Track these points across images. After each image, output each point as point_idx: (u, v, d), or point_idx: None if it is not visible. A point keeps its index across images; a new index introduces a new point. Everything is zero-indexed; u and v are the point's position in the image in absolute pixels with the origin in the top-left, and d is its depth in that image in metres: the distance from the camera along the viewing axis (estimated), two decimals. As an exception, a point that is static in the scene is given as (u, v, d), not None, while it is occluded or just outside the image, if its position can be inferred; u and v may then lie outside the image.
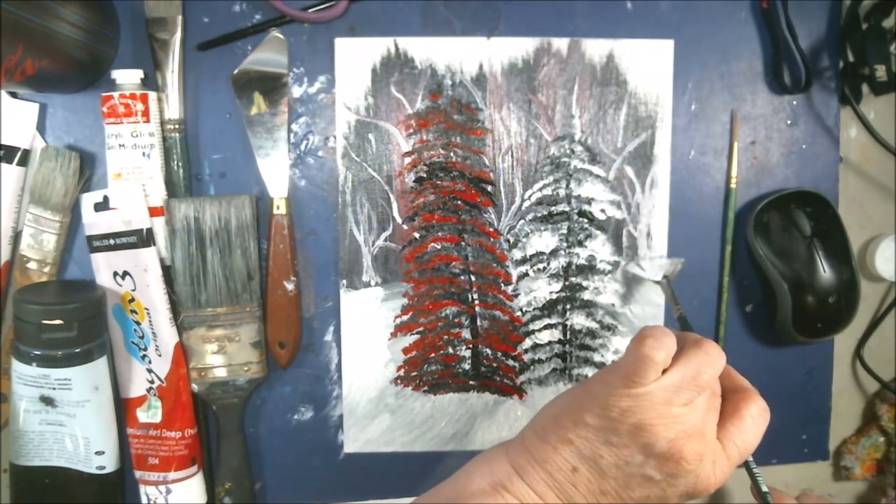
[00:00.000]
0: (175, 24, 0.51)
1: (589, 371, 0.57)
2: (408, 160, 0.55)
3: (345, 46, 0.53)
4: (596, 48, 0.55)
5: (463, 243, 0.56)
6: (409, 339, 0.56)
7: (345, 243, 0.55)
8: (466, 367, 0.57)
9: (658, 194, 0.56)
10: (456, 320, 0.56)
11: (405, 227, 0.55)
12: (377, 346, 0.56)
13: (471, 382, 0.57)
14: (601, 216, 0.56)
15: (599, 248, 0.56)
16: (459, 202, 0.55)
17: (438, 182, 0.55)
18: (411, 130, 0.55)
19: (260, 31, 0.53)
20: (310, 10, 0.52)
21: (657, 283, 0.55)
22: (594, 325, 0.57)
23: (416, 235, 0.55)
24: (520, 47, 0.54)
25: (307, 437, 0.57)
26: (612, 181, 0.56)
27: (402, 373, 0.56)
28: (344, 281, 0.55)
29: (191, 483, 0.53)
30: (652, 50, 0.55)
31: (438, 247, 0.56)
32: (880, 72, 0.53)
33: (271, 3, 0.52)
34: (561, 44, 0.54)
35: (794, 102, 0.57)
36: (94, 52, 0.49)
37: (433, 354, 0.56)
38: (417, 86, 0.54)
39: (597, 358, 0.57)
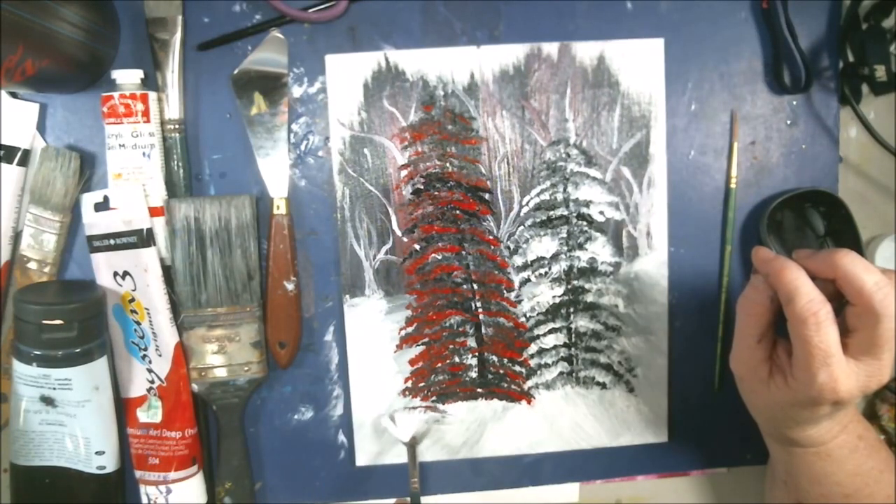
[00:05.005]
0: (175, 24, 0.52)
1: (596, 373, 0.57)
2: (404, 172, 0.55)
3: (335, 63, 0.53)
4: (587, 51, 0.55)
5: (464, 252, 0.56)
6: (415, 351, 0.56)
7: (346, 258, 0.55)
8: (473, 375, 0.57)
9: (656, 193, 0.56)
10: (460, 329, 0.56)
11: (405, 239, 0.55)
12: (383, 359, 0.56)
13: (478, 390, 0.57)
14: (600, 218, 0.56)
15: (600, 249, 0.56)
16: (458, 212, 0.55)
17: (436, 193, 0.55)
18: (406, 143, 0.55)
19: (260, 31, 0.53)
20: (310, 10, 0.52)
21: (404, 444, 0.56)
22: (599, 327, 0.57)
23: (417, 247, 0.55)
24: (510, 54, 0.54)
25: (307, 437, 0.57)
26: (609, 183, 0.56)
27: (409, 384, 0.56)
28: (347, 295, 0.55)
29: (191, 483, 0.53)
30: (642, 49, 0.55)
31: (439, 257, 0.56)
32: (880, 72, 0.53)
33: (271, 3, 0.52)
34: (551, 48, 0.54)
35: (794, 102, 0.57)
36: (94, 52, 0.49)
37: (439, 364, 0.56)
38: (410, 98, 0.54)
39: (602, 360, 0.57)
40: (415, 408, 0.56)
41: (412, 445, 0.56)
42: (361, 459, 0.57)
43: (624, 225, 0.56)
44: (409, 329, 0.56)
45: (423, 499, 0.57)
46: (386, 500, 0.58)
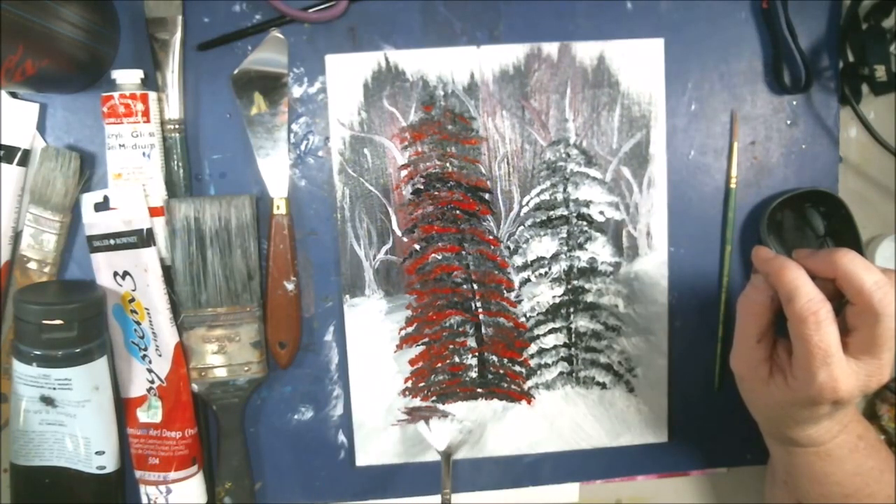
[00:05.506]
0: (175, 24, 0.52)
1: (596, 373, 0.57)
2: (404, 173, 0.55)
3: (335, 63, 0.53)
4: (587, 51, 0.55)
5: (464, 252, 0.56)
6: (415, 351, 0.56)
7: (346, 259, 0.55)
8: (473, 375, 0.57)
9: (656, 193, 0.56)
10: (461, 329, 0.56)
11: (405, 239, 0.55)
12: (383, 359, 0.56)
13: (478, 390, 0.57)
14: (600, 218, 0.56)
15: (600, 249, 0.56)
16: (458, 212, 0.55)
17: (436, 193, 0.55)
18: (406, 143, 0.55)
19: (260, 31, 0.53)
20: (310, 10, 0.52)
21: (439, 453, 0.55)
22: (599, 327, 0.57)
23: (417, 247, 0.55)
24: (510, 54, 0.54)
25: (307, 437, 0.57)
26: (609, 183, 0.56)
27: (409, 384, 0.56)
28: (347, 295, 0.55)
29: (191, 483, 0.53)
30: (642, 49, 0.55)
31: (439, 257, 0.56)
32: (880, 72, 0.53)
33: (271, 3, 0.52)
34: (551, 48, 0.54)
35: (794, 102, 0.57)
36: (94, 52, 0.49)
37: (439, 364, 0.56)
38: (410, 98, 0.54)
39: (602, 360, 0.57)
40: (418, 408, 0.56)
41: (447, 454, 0.55)
42: (361, 459, 0.57)
43: (624, 225, 0.56)
44: (409, 329, 0.56)
45: (422, 499, 0.58)
46: (386, 500, 0.58)
